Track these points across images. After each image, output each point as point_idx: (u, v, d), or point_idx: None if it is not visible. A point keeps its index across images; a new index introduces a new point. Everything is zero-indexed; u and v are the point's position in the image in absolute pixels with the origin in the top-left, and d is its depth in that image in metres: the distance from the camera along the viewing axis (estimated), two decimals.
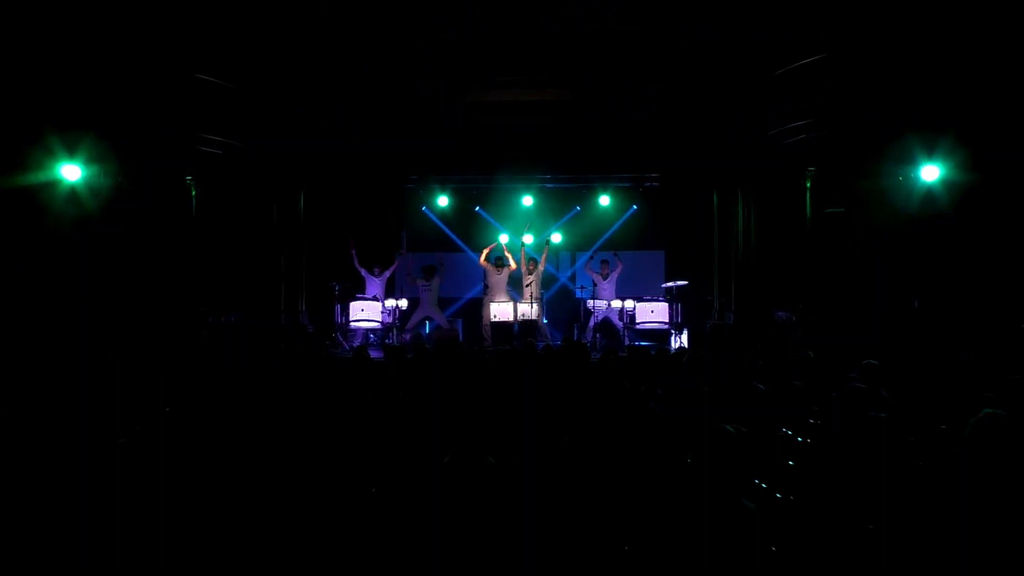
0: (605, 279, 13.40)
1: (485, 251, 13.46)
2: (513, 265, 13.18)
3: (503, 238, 14.18)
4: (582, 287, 13.61)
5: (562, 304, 14.47)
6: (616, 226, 15.22)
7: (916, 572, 2.79)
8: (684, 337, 12.70)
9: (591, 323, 13.44)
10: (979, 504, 2.90)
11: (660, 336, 12.75)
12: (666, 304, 13.10)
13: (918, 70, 10.05)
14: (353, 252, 13.29)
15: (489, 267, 13.33)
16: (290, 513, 3.00)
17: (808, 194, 11.56)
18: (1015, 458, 3.04)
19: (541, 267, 13.48)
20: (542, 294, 13.47)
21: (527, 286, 13.22)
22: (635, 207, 15.16)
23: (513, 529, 2.29)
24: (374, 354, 9.37)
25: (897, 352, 8.78)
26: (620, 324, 13.27)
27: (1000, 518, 2.82)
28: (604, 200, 14.93)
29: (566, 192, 15.17)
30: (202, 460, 3.71)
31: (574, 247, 15.07)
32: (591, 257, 13.71)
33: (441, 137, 13.14)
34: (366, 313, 12.85)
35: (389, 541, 2.51)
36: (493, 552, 2.26)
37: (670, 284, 13.27)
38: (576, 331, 13.51)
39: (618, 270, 13.42)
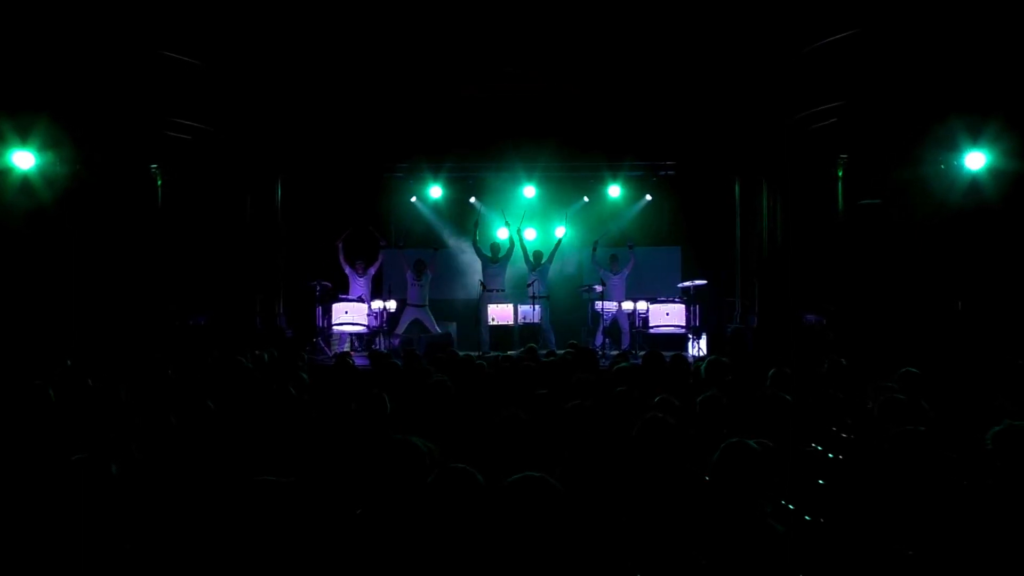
0: (615, 275, 13.40)
1: (475, 231, 13.69)
2: (508, 251, 13.44)
3: (502, 233, 14.22)
4: (588, 288, 13.58)
5: (568, 305, 14.46)
6: (628, 218, 15.23)
7: None
8: (703, 342, 12.70)
9: (600, 327, 13.45)
10: (1005, 520, 2.93)
11: (676, 341, 12.73)
12: (683, 306, 13.10)
13: (962, 46, 10.05)
14: (340, 246, 13.30)
15: (483, 255, 13.44)
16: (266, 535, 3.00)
17: (840, 184, 11.53)
18: None
19: (548, 264, 13.50)
20: (548, 293, 13.49)
21: (530, 284, 13.22)
22: (649, 197, 15.14)
23: (507, 556, 2.29)
24: (359, 361, 9.37)
25: (939, 359, 8.79)
26: (626, 327, 13.29)
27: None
28: (614, 191, 14.93)
29: (572, 181, 15.15)
30: (168, 481, 3.71)
31: (580, 243, 15.03)
32: (594, 248, 13.69)
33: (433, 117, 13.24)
34: (350, 316, 12.83)
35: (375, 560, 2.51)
36: None
37: (687, 284, 13.27)
38: (584, 335, 13.50)
39: (630, 265, 13.43)
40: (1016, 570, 2.78)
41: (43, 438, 4.31)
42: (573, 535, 2.54)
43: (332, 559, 2.72)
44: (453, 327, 13.67)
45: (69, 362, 7.52)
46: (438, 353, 9.12)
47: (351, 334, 13.06)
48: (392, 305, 13.34)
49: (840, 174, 11.50)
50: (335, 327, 12.96)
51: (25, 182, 10.19)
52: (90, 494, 3.00)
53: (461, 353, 8.95)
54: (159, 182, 11.70)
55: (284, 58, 12.45)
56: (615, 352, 12.14)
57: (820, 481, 3.92)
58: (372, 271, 13.54)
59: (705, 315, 13.37)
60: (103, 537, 2.92)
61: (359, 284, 13.33)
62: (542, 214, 15.06)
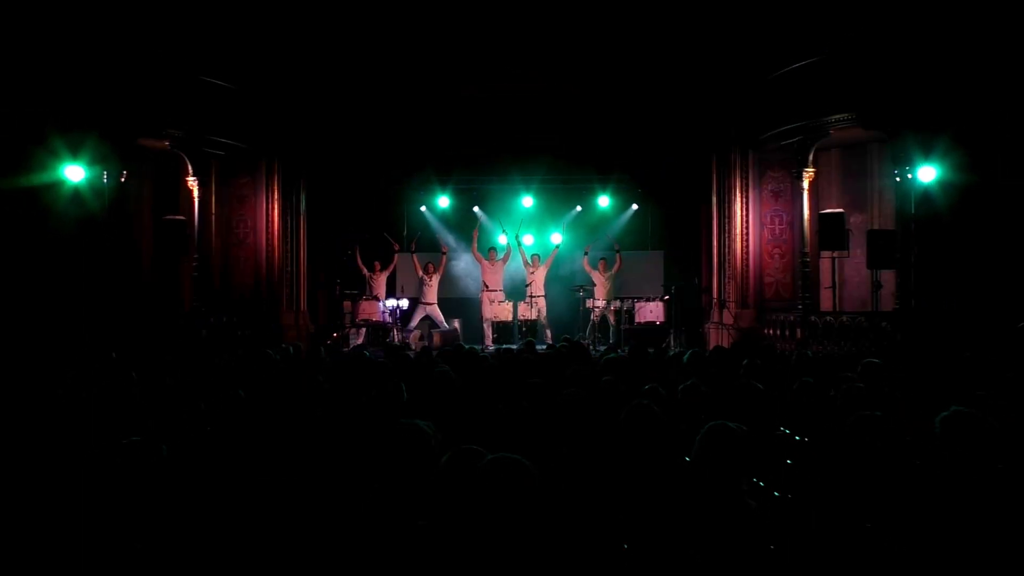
0: (604, 276, 13.43)
1: (475, 240, 13.73)
2: (506, 255, 13.47)
3: (502, 238, 14.27)
4: (580, 287, 13.61)
5: (562, 303, 14.47)
6: (616, 226, 15.24)
7: (911, 569, 2.79)
8: (683, 338, 12.72)
9: (589, 322, 13.47)
10: (951, 498, 2.95)
11: (658, 333, 12.76)
12: (663, 303, 13.16)
13: (915, 73, 10.07)
14: (356, 250, 13.33)
15: (481, 258, 13.48)
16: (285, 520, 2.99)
17: (806, 194, 11.54)
18: (983, 454, 3.11)
19: (545, 268, 13.55)
20: (546, 294, 13.52)
21: (528, 285, 13.25)
22: (635, 207, 15.19)
23: (511, 525, 2.29)
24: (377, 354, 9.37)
25: (897, 353, 8.80)
26: (613, 323, 13.32)
27: (970, 510, 2.86)
28: (604, 201, 15.00)
29: (566, 192, 15.22)
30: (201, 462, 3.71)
31: (573, 247, 15.05)
32: (586, 252, 13.72)
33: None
34: (367, 312, 12.87)
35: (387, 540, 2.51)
36: (491, 549, 2.26)
37: (669, 284, 13.33)
38: (576, 330, 13.51)
39: (616, 266, 13.47)
40: (959, 535, 2.79)
41: (90, 424, 4.31)
42: (553, 514, 2.53)
43: (348, 533, 2.72)
44: (458, 323, 13.72)
45: (114, 354, 7.55)
46: (446, 347, 9.14)
47: (367, 328, 13.08)
48: (405, 303, 13.38)
49: (805, 186, 11.50)
50: (356, 321, 13.02)
51: (76, 193, 10.20)
52: (145, 474, 3.01)
53: (466, 346, 8.96)
54: (196, 193, 11.69)
55: (307, 83, 12.51)
56: (603, 346, 12.17)
57: (788, 461, 3.93)
58: (387, 272, 13.57)
59: (685, 312, 13.40)
60: (156, 513, 2.91)
61: (375, 283, 13.36)
62: (539, 222, 15.10)
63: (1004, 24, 9.43)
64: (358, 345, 11.73)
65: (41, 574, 2.62)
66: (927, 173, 10.10)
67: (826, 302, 11.87)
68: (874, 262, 10.72)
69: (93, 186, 10.31)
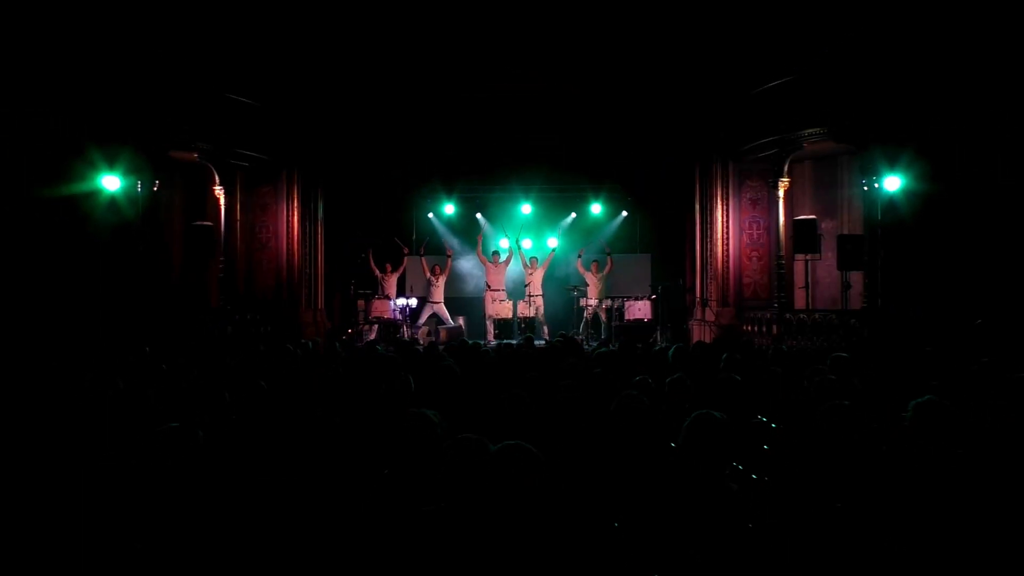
0: (596, 277, 13.43)
1: (479, 244, 13.75)
2: (508, 258, 13.48)
3: (503, 242, 14.29)
4: (575, 287, 13.62)
5: (558, 302, 14.47)
6: (607, 231, 15.24)
7: (877, 542, 2.78)
8: (668, 334, 12.72)
9: (582, 319, 13.46)
10: (920, 477, 2.95)
11: (646, 329, 12.75)
12: (651, 302, 13.15)
13: (880, 91, 10.07)
14: (369, 254, 13.33)
15: (486, 261, 13.49)
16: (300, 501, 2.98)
17: (781, 202, 11.54)
18: (948, 436, 3.12)
19: (543, 270, 13.54)
20: (543, 294, 13.52)
21: (527, 285, 13.24)
22: (624, 213, 15.20)
23: (523, 506, 2.28)
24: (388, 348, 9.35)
25: (864, 349, 8.78)
26: (605, 320, 13.31)
27: (934, 490, 2.86)
28: (596, 208, 15.05)
29: (562, 200, 15.23)
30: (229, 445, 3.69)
31: (569, 250, 15.07)
32: (580, 255, 13.70)
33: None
34: (380, 310, 12.88)
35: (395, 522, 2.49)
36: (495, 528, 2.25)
37: (656, 284, 13.32)
38: (571, 327, 13.51)
39: (607, 268, 13.47)
40: (923, 512, 2.78)
41: (127, 411, 4.30)
42: (554, 494, 2.52)
43: (360, 516, 2.71)
44: (463, 320, 13.70)
45: (147, 349, 7.53)
46: (451, 342, 9.12)
47: (380, 325, 13.08)
48: (414, 302, 13.38)
49: (780, 195, 11.49)
50: (367, 319, 13.00)
51: (112, 201, 10.19)
52: (184, 456, 3.01)
53: (470, 342, 8.94)
54: (222, 201, 11.68)
55: (323, 99, 12.51)
56: (596, 342, 12.15)
57: (765, 447, 3.91)
58: (397, 274, 13.56)
59: (670, 310, 13.40)
60: (195, 491, 2.90)
61: (386, 284, 13.36)
62: (536, 227, 15.11)
63: (963, 47, 9.43)
64: (371, 341, 11.71)
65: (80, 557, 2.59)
66: (892, 183, 10.10)
67: (800, 301, 11.86)
68: (844, 264, 10.71)
69: (128, 194, 10.30)
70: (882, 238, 10.22)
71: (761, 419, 4.39)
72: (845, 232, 11.29)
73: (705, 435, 2.88)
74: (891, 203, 10.16)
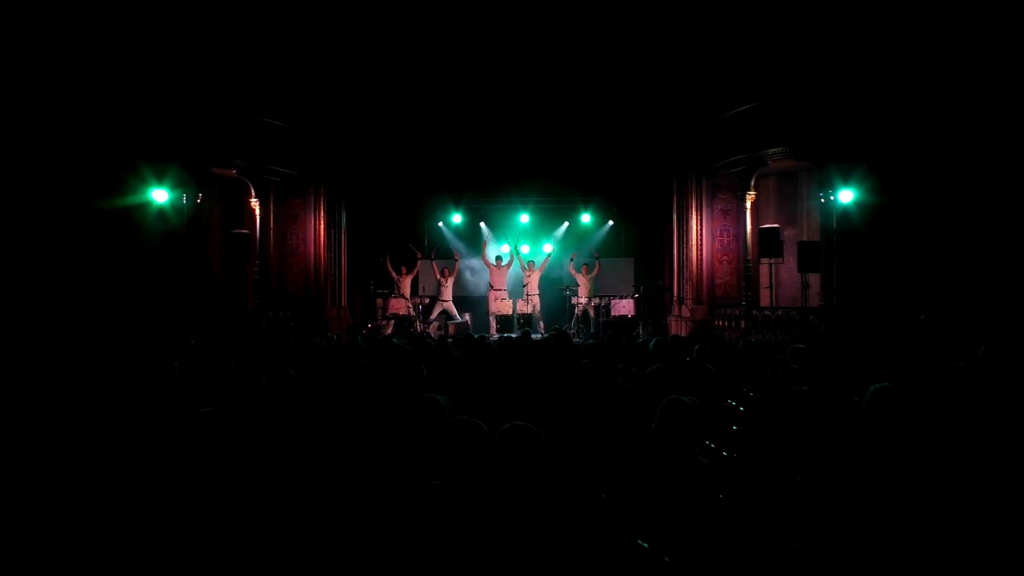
0: (586, 278, 13.44)
1: (484, 251, 13.78)
2: (509, 261, 13.50)
3: (504, 248, 14.31)
4: (567, 288, 13.65)
5: (552, 300, 14.48)
6: (596, 238, 15.27)
7: (831, 508, 2.80)
8: (649, 328, 12.73)
9: (574, 315, 13.48)
10: (873, 454, 2.96)
11: (629, 324, 12.77)
12: (634, 300, 13.17)
13: (834, 115, 10.08)
14: (387, 258, 13.35)
15: (490, 264, 13.50)
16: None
17: (748, 212, 11.55)
18: (900, 417, 3.15)
19: (539, 272, 13.55)
20: (539, 293, 13.53)
21: (525, 285, 13.26)
22: (611, 222, 15.23)
23: (527, 477, 2.29)
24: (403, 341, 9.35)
25: (822, 341, 8.78)
26: (593, 316, 13.31)
27: (882, 466, 2.87)
28: (586, 218, 15.10)
29: (556, 211, 15.25)
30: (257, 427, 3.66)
31: (562, 255, 15.09)
32: (572, 259, 13.72)
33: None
34: (395, 307, 12.90)
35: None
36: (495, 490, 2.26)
37: (638, 285, 13.33)
38: (563, 322, 13.52)
39: (596, 270, 13.48)
40: (872, 483, 2.79)
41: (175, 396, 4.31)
42: (552, 467, 2.54)
43: (381, 482, 2.72)
44: (469, 316, 13.72)
45: (193, 341, 7.55)
46: (459, 335, 9.12)
47: (395, 321, 13.10)
48: (426, 300, 13.41)
49: (748, 205, 11.50)
50: (384, 315, 13.01)
51: (161, 212, 10.20)
52: (215, 437, 2.99)
53: (475, 335, 8.95)
54: (257, 212, 11.70)
55: (346, 122, 12.52)
56: (585, 335, 12.16)
57: (734, 427, 3.92)
58: (411, 276, 13.57)
59: (650, 307, 13.41)
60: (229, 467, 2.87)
61: (401, 284, 13.36)
62: (533, 234, 15.13)
63: (908, 76, 9.45)
64: (388, 334, 11.73)
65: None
66: (846, 195, 10.10)
67: (765, 299, 11.87)
68: (803, 267, 10.73)
69: (175, 206, 10.31)
70: (837, 244, 10.22)
71: (730, 403, 4.40)
72: (805, 239, 11.31)
73: (675, 416, 2.89)
74: (845, 213, 10.17)
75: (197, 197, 10.62)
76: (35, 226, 8.53)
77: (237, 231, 11.40)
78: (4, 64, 8.26)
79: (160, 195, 10.10)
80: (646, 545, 2.32)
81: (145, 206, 10.06)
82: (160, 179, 10.09)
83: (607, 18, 10.77)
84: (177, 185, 10.27)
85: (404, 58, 11.51)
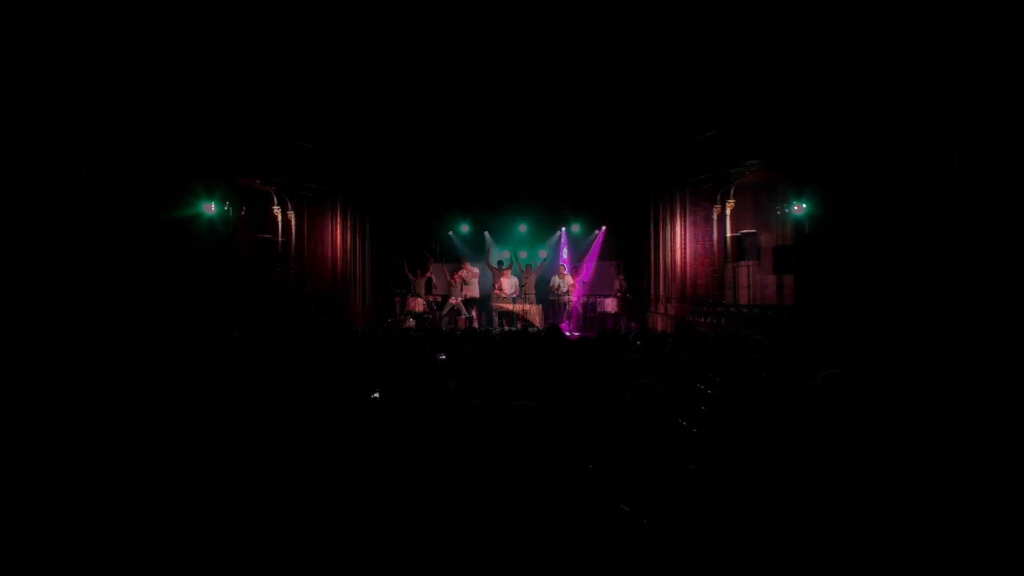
0: (575, 279, 13.44)
1: (488, 256, 13.82)
2: (509, 265, 13.47)
3: (505, 254, 14.34)
4: (560, 288, 13.63)
5: (548, 299, 14.48)
6: (586, 244, 15.25)
7: (787, 479, 2.80)
8: (633, 323, 12.72)
9: (564, 312, 13.46)
10: (818, 435, 2.97)
11: (614, 319, 12.76)
12: (617, 299, 13.16)
13: (788, 140, 10.08)
14: (404, 262, 13.38)
15: (493, 268, 13.52)
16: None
17: (727, 219, 11.54)
18: (848, 398, 3.15)
19: (536, 274, 13.56)
20: (536, 293, 13.55)
21: (523, 286, 13.27)
22: (601, 229, 15.24)
23: (530, 449, 2.29)
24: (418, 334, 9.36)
25: (780, 338, 8.78)
26: (579, 311, 13.32)
27: (832, 444, 2.88)
28: (576, 228, 15.09)
29: (550, 221, 15.26)
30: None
31: (556, 259, 15.10)
32: (563, 263, 13.76)
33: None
34: (411, 304, 12.93)
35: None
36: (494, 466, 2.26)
37: (623, 285, 13.30)
38: (556, 318, 13.51)
39: (582, 273, 13.48)
40: (822, 461, 2.80)
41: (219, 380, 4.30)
42: (551, 440, 2.55)
43: (398, 457, 2.71)
44: (475, 312, 13.73)
45: (237, 334, 7.55)
46: (466, 329, 9.11)
47: (413, 316, 13.12)
48: (438, 298, 13.43)
49: (727, 212, 11.50)
50: (403, 311, 13.03)
51: (210, 222, 10.23)
52: (253, 417, 2.99)
53: (480, 329, 8.95)
54: (293, 222, 11.71)
55: (367, 145, 12.54)
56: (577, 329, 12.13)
57: (703, 408, 3.93)
58: (425, 277, 13.60)
59: (633, 304, 13.40)
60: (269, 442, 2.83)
61: (417, 285, 13.40)
62: (531, 242, 15.14)
63: (850, 106, 9.45)
64: (406, 328, 11.74)
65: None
66: (799, 208, 10.10)
67: (743, 298, 11.78)
68: (777, 268, 10.69)
69: (223, 217, 10.34)
70: (795, 250, 10.22)
71: (700, 387, 4.41)
72: (780, 244, 11.26)
73: (643, 397, 2.91)
74: (799, 224, 10.17)
75: (242, 209, 10.64)
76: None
77: (262, 235, 11.40)
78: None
79: (210, 208, 10.13)
80: (627, 509, 2.33)
81: (197, 217, 10.09)
82: (210, 194, 10.12)
83: (597, 49, 10.68)
84: (224, 199, 10.30)
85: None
